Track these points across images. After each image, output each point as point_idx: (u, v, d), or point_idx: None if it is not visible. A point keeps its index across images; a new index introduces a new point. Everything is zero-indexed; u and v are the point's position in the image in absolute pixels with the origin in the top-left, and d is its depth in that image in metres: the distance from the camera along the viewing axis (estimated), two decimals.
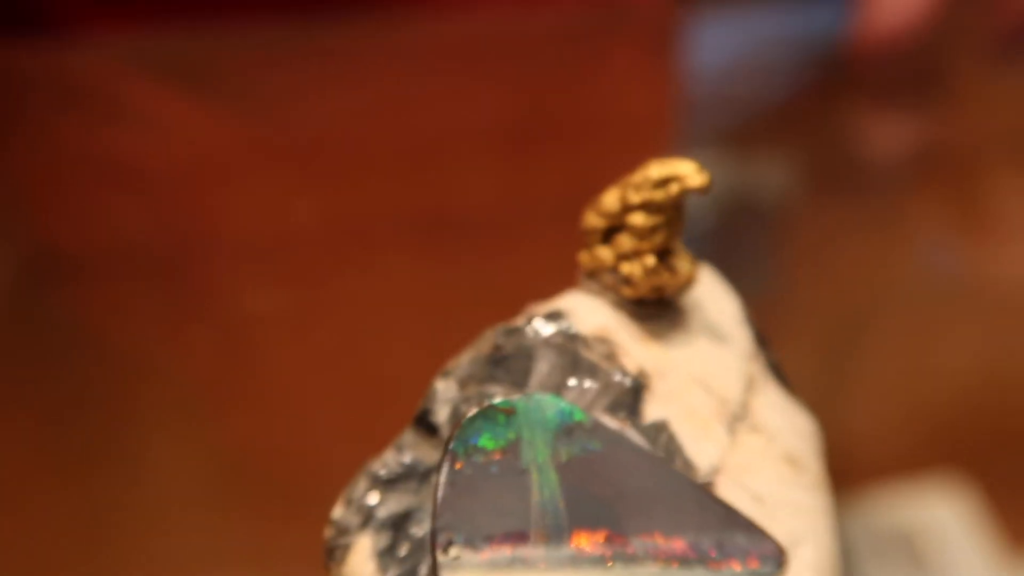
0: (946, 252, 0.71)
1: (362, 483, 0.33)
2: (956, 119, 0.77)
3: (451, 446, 0.31)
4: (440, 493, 0.31)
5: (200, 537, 0.55)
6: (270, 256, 0.66)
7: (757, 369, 0.36)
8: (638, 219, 0.33)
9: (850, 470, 0.63)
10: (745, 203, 0.70)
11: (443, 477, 0.31)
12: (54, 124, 0.73)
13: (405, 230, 0.67)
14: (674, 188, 0.33)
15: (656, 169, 0.33)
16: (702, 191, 0.33)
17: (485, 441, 0.31)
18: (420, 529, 0.32)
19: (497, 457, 0.31)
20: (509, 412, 0.31)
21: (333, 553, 0.33)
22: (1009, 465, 0.63)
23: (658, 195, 0.33)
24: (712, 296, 0.36)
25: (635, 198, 0.33)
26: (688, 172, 0.33)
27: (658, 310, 0.35)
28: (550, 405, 0.31)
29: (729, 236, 0.67)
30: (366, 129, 0.69)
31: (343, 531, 0.33)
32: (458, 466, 0.31)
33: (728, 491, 0.32)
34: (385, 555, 0.32)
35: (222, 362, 0.63)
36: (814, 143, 0.76)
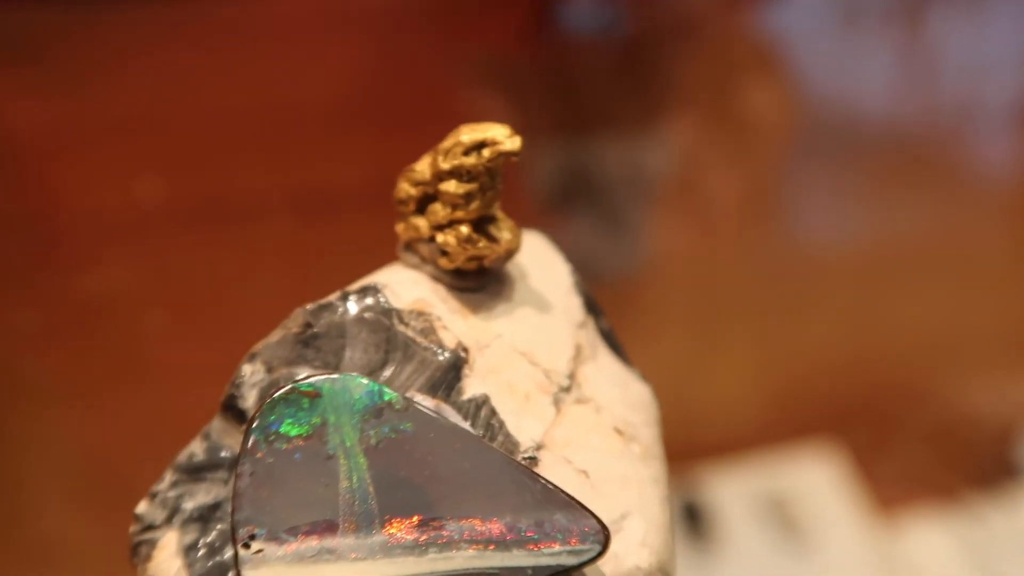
0: (815, 224, 0.70)
1: (168, 475, 0.30)
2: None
3: (251, 433, 0.28)
4: (239, 484, 0.28)
5: (57, 517, 0.51)
6: (128, 231, 0.63)
7: (587, 338, 0.33)
8: (450, 187, 0.30)
9: (723, 439, 0.62)
10: (625, 178, 0.68)
11: (243, 467, 0.28)
12: None
13: (268, 204, 0.63)
14: (486, 153, 0.30)
15: (467, 133, 0.30)
16: (514, 156, 0.30)
17: (288, 427, 0.28)
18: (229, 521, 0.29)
19: (301, 443, 0.28)
20: (313, 395, 0.28)
21: (138, 550, 0.29)
22: (874, 432, 0.62)
23: (469, 161, 0.30)
24: (539, 264, 0.34)
25: (445, 164, 0.30)
26: (500, 136, 0.30)
27: (479, 281, 0.32)
28: (358, 386, 0.28)
29: (606, 211, 0.65)
30: (223, 102, 0.65)
31: (148, 527, 0.29)
32: (259, 455, 0.28)
33: (552, 467, 0.30)
34: (192, 550, 0.29)
35: (78, 341, 0.59)
36: (697, 119, 0.74)
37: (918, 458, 0.59)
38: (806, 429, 0.60)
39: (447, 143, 0.30)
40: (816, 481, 0.58)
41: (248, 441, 0.28)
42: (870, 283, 0.65)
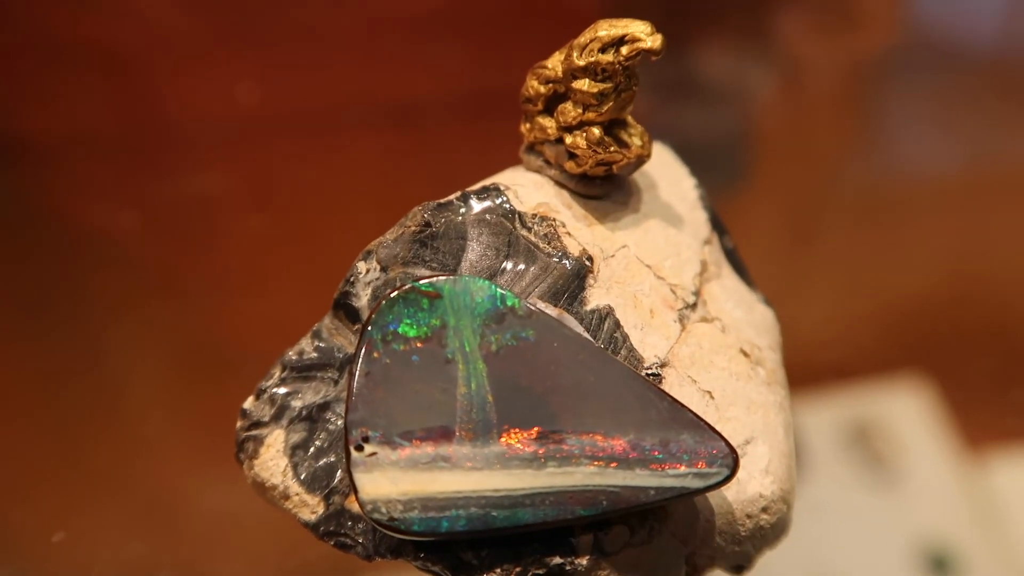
0: (916, 146, 0.65)
1: (276, 372, 0.28)
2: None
3: (367, 332, 0.26)
4: (354, 384, 0.26)
5: (160, 412, 0.51)
6: (228, 138, 0.61)
7: (712, 255, 0.30)
8: (583, 85, 0.28)
9: (810, 366, 0.59)
10: (714, 92, 0.64)
11: (358, 366, 0.26)
12: (12, 4, 0.66)
13: (367, 115, 0.61)
14: (624, 51, 0.27)
15: (605, 28, 0.27)
16: (655, 54, 0.27)
17: (406, 327, 0.26)
18: (339, 422, 0.27)
19: (419, 345, 0.26)
20: (433, 296, 0.26)
21: (244, 447, 0.28)
22: (967, 365, 0.59)
23: (606, 58, 0.27)
24: (664, 176, 0.31)
25: (580, 61, 0.27)
26: (641, 32, 0.27)
27: (605, 188, 0.29)
28: (480, 289, 0.26)
29: (698, 125, 0.61)
30: (329, 11, 0.63)
31: (255, 423, 0.28)
32: (375, 355, 0.26)
33: (676, 386, 0.27)
34: (299, 450, 0.27)
35: (181, 243, 0.58)
36: (803, 18, 0.69)
37: (1010, 396, 0.56)
38: (896, 360, 0.57)
39: (583, 38, 0.27)
40: (904, 414, 0.56)
41: (364, 340, 0.26)
42: (971, 212, 0.61)
